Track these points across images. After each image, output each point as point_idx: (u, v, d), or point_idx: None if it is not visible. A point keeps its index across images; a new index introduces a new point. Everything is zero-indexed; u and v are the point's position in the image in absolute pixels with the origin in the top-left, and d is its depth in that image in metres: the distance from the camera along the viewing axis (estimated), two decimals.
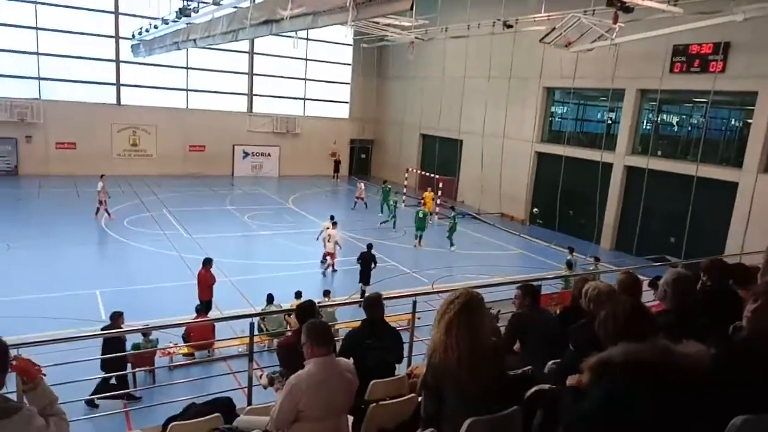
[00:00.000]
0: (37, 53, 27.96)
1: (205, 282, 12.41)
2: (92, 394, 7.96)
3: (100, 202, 21.15)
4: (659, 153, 21.09)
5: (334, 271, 16.63)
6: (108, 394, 8.29)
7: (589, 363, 2.25)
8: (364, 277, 14.64)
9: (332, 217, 17.56)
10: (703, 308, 3.67)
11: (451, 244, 20.31)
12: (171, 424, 3.86)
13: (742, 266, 4.71)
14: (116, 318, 9.31)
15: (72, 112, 28.62)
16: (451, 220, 21.14)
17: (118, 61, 29.82)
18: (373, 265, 14.78)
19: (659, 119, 21.67)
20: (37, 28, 27.72)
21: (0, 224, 19.43)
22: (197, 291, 12.39)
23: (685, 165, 19.28)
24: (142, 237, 19.24)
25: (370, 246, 15.27)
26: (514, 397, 3.16)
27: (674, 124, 22.02)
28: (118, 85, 30.17)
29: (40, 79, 28.32)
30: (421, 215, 20.60)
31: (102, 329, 9.33)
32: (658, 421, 2.03)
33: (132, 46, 26.53)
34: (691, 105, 20.60)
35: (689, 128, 20.89)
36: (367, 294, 14.37)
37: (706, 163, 18.65)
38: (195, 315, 11.03)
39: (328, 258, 16.65)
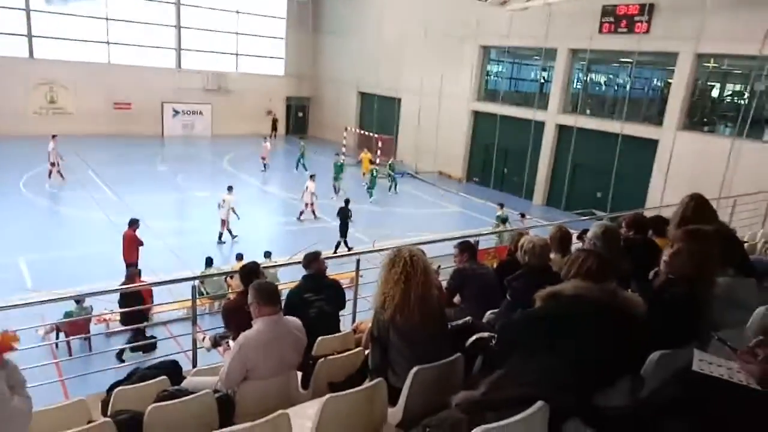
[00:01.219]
0: None
1: (131, 242, 11.93)
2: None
3: (52, 164, 20.01)
4: (588, 112, 21.96)
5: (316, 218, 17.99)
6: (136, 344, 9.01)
7: (540, 293, 2.46)
8: (342, 230, 15.53)
9: (230, 188, 16.61)
10: (626, 256, 3.98)
11: (370, 196, 20.97)
12: (116, 389, 3.82)
13: (659, 218, 5.10)
14: (132, 277, 9.67)
15: None
16: (371, 174, 21.66)
17: (28, 10, 27.27)
18: (350, 219, 15.71)
19: (588, 79, 22.46)
20: None
21: None
22: (123, 253, 11.95)
23: (611, 123, 20.21)
24: (66, 200, 18.22)
25: (347, 201, 16.21)
26: (456, 346, 3.35)
27: (602, 83, 22.89)
28: (30, 36, 27.67)
29: None
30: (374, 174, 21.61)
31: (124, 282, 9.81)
32: (587, 348, 2.25)
33: None
34: (617, 65, 21.45)
35: (615, 88, 21.80)
36: (338, 248, 14.84)
37: (630, 121, 19.63)
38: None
39: (304, 209, 18.06)
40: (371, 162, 24.72)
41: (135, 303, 8.98)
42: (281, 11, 34.49)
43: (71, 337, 9.34)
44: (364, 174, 23.73)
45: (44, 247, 14.05)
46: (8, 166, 21.21)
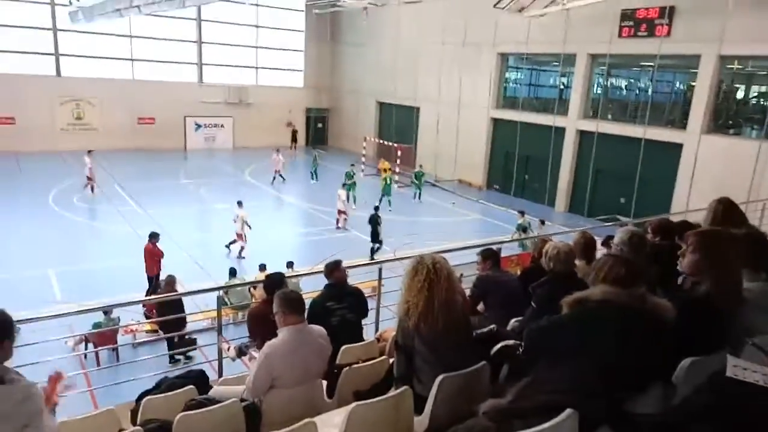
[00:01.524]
0: None
1: (152, 256, 12.09)
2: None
3: (89, 178, 20.80)
4: (609, 117, 21.73)
5: (345, 229, 18.28)
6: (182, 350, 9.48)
7: (567, 299, 2.44)
8: (374, 237, 15.86)
9: (239, 203, 16.63)
10: (653, 262, 3.92)
11: (389, 204, 21.01)
12: (145, 398, 3.88)
13: (686, 223, 5.01)
14: (169, 283, 10.05)
15: (8, 85, 26.89)
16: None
17: (55, 30, 28.12)
18: (379, 226, 16.06)
19: (608, 83, 22.24)
20: None
21: None
22: (144, 266, 12.11)
23: (633, 128, 19.95)
24: (94, 214, 18.62)
25: (376, 208, 16.78)
26: (481, 354, 3.33)
27: (623, 87, 22.65)
28: (57, 55, 28.53)
29: None
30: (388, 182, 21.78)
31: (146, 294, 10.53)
32: (617, 353, 2.23)
33: (69, 13, 25.04)
34: (638, 69, 21.23)
35: (637, 92, 21.55)
36: (374, 253, 15.18)
37: (653, 125, 19.36)
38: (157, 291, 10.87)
39: (339, 217, 18.47)
40: (389, 170, 24.79)
41: (176, 309, 9.18)
42: (300, 24, 34.96)
43: (99, 348, 9.51)
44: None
45: (73, 260, 14.37)
46: (37, 181, 21.78)
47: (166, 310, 9.19)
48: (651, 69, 19.82)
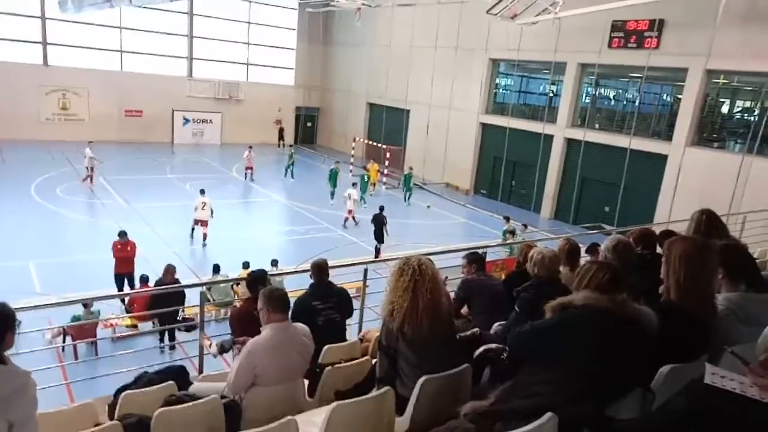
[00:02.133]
0: None
1: (119, 255, 11.75)
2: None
3: (90, 169, 20.71)
4: (596, 125, 21.96)
5: (355, 223, 18.67)
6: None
7: (551, 304, 2.46)
8: (378, 237, 15.84)
9: (202, 191, 16.92)
10: (635, 270, 3.96)
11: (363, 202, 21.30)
12: (123, 393, 3.83)
13: (668, 233, 5.07)
14: (170, 271, 10.15)
15: None
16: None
17: (43, 18, 27.71)
18: (385, 226, 16.04)
19: (597, 93, 22.48)
20: None
21: None
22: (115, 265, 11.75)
23: (620, 137, 20.17)
24: (77, 206, 18.36)
25: (382, 208, 16.60)
26: (464, 357, 3.34)
27: (611, 97, 22.91)
28: (44, 44, 28.10)
29: None
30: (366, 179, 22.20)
31: (156, 283, 10.19)
32: (598, 359, 2.25)
33: (59, 1, 24.69)
34: (627, 80, 21.48)
35: (624, 102, 21.80)
36: (378, 253, 15.20)
37: (639, 136, 19.60)
38: (139, 285, 10.76)
39: (348, 216, 18.81)
40: (379, 173, 24.87)
41: (176, 299, 9.29)
42: (292, 22, 34.84)
43: (78, 341, 9.37)
44: (373, 185, 23.82)
45: (54, 252, 14.16)
46: (20, 171, 21.43)
47: (165, 298, 9.20)
48: (639, 80, 20.07)
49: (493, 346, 3.46)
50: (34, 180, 20.60)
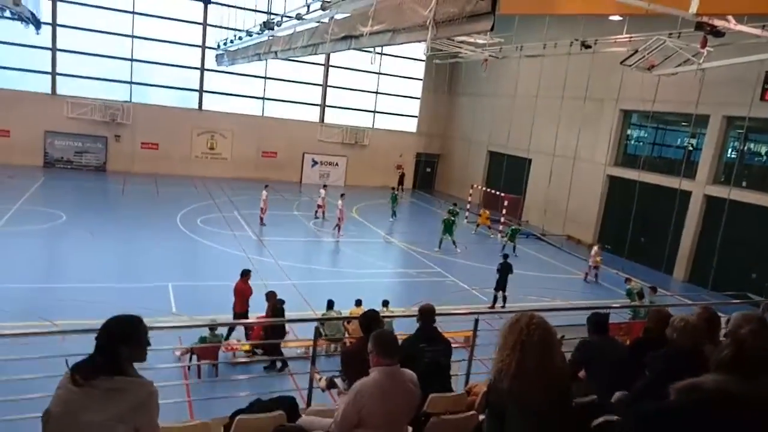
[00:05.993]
0: (131, 59, 30.14)
1: (241, 294, 11.57)
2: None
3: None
4: (743, 183, 19.87)
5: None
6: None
7: (678, 386, 2.20)
8: (501, 285, 15.41)
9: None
10: None
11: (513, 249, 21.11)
12: (238, 417, 4.03)
13: None
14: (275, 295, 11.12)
15: (158, 115, 30.54)
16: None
17: (202, 69, 31.57)
18: (510, 274, 15.62)
19: (745, 148, 20.44)
20: (132, 36, 29.87)
21: (86, 214, 21.08)
22: (233, 302, 11.60)
23: None
24: (213, 236, 20.10)
25: (506, 256, 16.51)
26: (579, 425, 3.09)
27: (762, 154, 20.70)
28: (201, 91, 31.93)
29: (132, 83, 30.49)
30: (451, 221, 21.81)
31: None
32: None
33: (216, 55, 27.98)
34: None
35: None
36: (496, 302, 15.18)
37: None
38: (260, 315, 11.39)
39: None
40: (488, 219, 25.53)
41: (279, 330, 10.72)
42: (419, 72, 36.22)
43: (202, 362, 10.08)
44: (477, 226, 25.30)
45: (189, 276, 15.56)
46: (170, 203, 24.03)
47: (273, 330, 10.51)
48: None
49: (614, 418, 3.18)
50: (181, 210, 22.98)
